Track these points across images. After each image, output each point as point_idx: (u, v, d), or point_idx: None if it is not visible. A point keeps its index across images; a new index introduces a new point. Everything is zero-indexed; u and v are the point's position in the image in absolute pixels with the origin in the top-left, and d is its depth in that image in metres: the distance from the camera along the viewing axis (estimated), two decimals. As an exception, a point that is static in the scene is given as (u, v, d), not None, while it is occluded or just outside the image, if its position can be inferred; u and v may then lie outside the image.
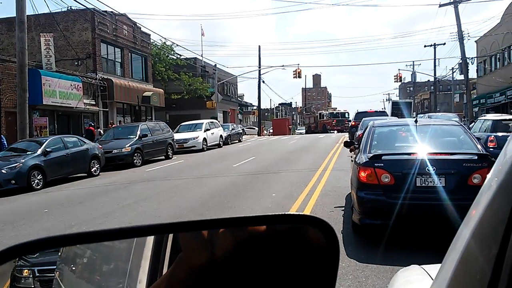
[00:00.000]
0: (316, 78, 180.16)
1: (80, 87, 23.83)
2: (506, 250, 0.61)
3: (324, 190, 9.79)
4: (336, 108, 64.41)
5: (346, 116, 53.73)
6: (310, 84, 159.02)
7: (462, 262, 0.74)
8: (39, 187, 13.28)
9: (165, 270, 0.97)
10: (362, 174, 5.53)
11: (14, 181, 12.75)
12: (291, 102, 78.85)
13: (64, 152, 14.87)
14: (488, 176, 0.78)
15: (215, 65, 44.81)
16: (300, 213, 0.90)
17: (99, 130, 24.03)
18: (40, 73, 20.81)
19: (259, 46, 49.77)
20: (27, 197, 12.05)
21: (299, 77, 45.47)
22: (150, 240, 1.04)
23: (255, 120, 65.30)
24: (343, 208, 7.75)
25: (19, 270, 1.37)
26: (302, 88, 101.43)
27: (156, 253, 1.01)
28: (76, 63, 26.06)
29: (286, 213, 0.91)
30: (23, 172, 12.95)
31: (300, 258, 0.88)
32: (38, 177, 13.42)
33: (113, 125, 23.51)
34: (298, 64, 54.44)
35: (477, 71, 42.68)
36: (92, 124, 24.35)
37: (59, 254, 1.28)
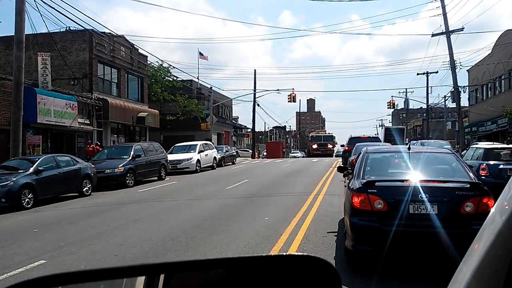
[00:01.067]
0: (311, 102, 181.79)
1: (75, 106, 23.84)
2: None
3: (317, 215, 9.76)
4: (323, 131, 62.63)
5: (331, 139, 51.57)
6: (304, 109, 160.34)
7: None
8: (29, 206, 13.12)
9: None
10: (356, 199, 5.55)
11: (4, 200, 12.60)
12: (285, 126, 79.52)
13: (56, 171, 14.76)
14: (492, 210, 0.75)
15: (211, 87, 45.19)
16: (301, 254, 0.89)
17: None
18: (36, 91, 20.82)
19: (255, 70, 50.22)
20: (17, 216, 11.89)
21: (294, 101, 45.87)
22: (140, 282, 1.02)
23: (249, 143, 65.39)
24: (336, 234, 7.71)
25: None
26: (296, 112, 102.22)
27: None
28: (72, 82, 26.14)
29: (286, 253, 0.90)
30: (14, 191, 12.81)
31: None
32: (29, 196, 13.28)
33: (91, 146, 22.87)
34: (293, 89, 55.15)
35: (469, 100, 43.31)
36: (98, 143, 24.23)
37: None
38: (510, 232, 0.66)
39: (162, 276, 0.97)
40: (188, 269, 0.94)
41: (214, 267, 0.89)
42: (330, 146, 49.61)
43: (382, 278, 5.24)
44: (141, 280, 1.01)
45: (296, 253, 0.85)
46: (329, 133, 55.42)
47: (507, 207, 0.70)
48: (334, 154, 49.75)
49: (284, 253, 0.86)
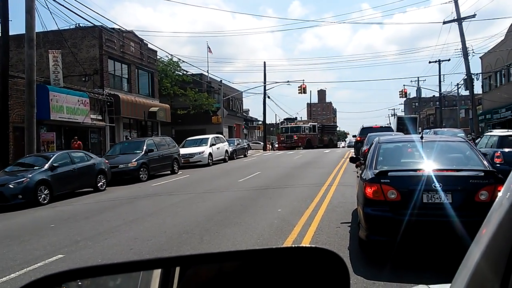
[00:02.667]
0: (321, 93, 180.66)
1: (87, 103, 24.07)
2: None
3: (330, 206, 9.76)
4: (301, 121, 54.78)
5: (298, 130, 46.55)
6: (315, 100, 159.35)
7: (472, 282, 0.74)
8: (45, 202, 13.33)
9: None
10: (369, 190, 5.53)
11: (21, 196, 12.82)
12: (296, 117, 79.00)
13: (71, 167, 14.96)
14: (499, 194, 0.77)
15: (221, 80, 45.28)
16: (310, 246, 0.91)
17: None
18: (48, 88, 21.07)
19: (264, 62, 50.17)
20: (33, 212, 12.10)
21: (304, 92, 45.71)
22: (156, 276, 1.05)
23: (260, 135, 65.38)
24: (350, 224, 7.72)
25: None
26: (307, 103, 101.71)
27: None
28: (83, 79, 26.36)
29: (296, 245, 0.92)
30: (30, 187, 13.03)
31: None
32: (45, 192, 13.49)
33: (77, 143, 21.40)
34: (303, 80, 54.69)
35: (482, 87, 42.68)
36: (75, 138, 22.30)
37: None
38: None
39: (177, 269, 1.00)
40: (202, 262, 0.97)
41: (227, 259, 0.92)
42: (295, 137, 45.42)
43: (396, 267, 5.24)
44: (157, 272, 1.04)
45: (305, 245, 0.87)
46: (298, 123, 50.34)
47: None
48: (313, 145, 45.60)
49: (294, 245, 0.88)
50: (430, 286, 1.43)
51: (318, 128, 50.43)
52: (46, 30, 21.73)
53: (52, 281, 0.97)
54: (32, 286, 0.92)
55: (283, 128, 49.31)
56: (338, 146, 51.04)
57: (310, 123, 49.84)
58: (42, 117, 19.91)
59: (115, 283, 1.10)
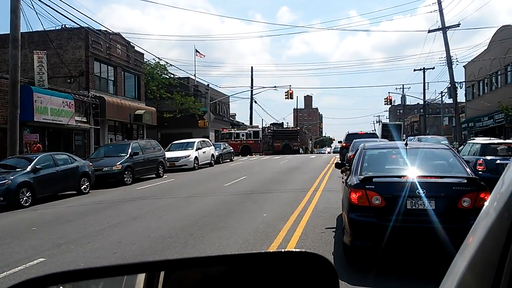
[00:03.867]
0: (308, 99, 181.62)
1: (72, 105, 23.79)
2: (500, 281, 0.60)
3: (315, 211, 9.79)
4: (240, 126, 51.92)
5: (238, 136, 44.47)
6: (301, 105, 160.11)
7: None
8: (27, 204, 13.11)
9: None
10: (353, 196, 5.57)
11: (2, 198, 12.59)
12: (282, 122, 79.00)
13: (54, 169, 14.74)
14: (486, 203, 0.76)
15: (208, 84, 45.17)
16: (299, 250, 0.90)
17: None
18: (32, 89, 20.76)
19: (252, 67, 50.50)
20: (15, 214, 11.88)
21: (291, 98, 45.93)
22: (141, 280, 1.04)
23: (246, 140, 65.29)
24: (334, 229, 7.75)
25: None
26: (294, 109, 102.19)
27: None
28: (68, 80, 26.07)
29: (284, 250, 0.91)
30: (12, 189, 12.80)
31: None
32: (27, 194, 13.27)
33: (36, 146, 20.19)
34: (290, 85, 54.90)
35: (465, 95, 43.44)
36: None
37: None
38: (501, 225, 0.67)
39: (162, 273, 0.99)
40: (188, 267, 0.95)
41: (213, 264, 0.91)
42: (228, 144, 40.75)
43: (380, 273, 5.28)
44: (141, 277, 1.03)
45: (293, 250, 0.86)
46: (240, 129, 47.70)
47: (499, 201, 0.71)
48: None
49: (282, 250, 0.88)
50: None
51: (268, 134, 48.24)
52: (31, 30, 21.43)
53: (32, 286, 0.95)
54: None
55: (221, 135, 46.43)
56: (301, 152, 47.85)
57: (249, 129, 47.34)
58: (26, 119, 19.62)
59: None
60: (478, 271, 0.70)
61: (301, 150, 48.49)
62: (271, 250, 0.86)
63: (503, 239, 0.64)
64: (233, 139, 44.26)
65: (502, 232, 0.65)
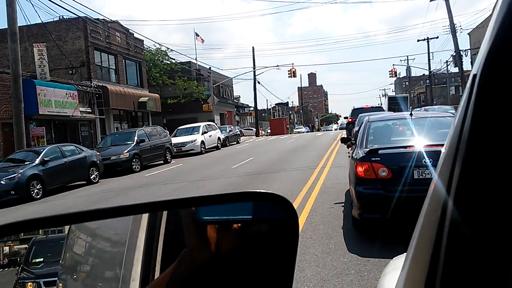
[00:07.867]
0: (312, 76, 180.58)
1: (75, 96, 23.82)
2: (443, 231, 0.57)
3: (324, 187, 9.80)
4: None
5: None
6: (306, 83, 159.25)
7: (416, 246, 0.73)
8: (38, 196, 13.26)
9: (158, 264, 0.98)
10: (360, 169, 5.55)
11: (13, 192, 12.74)
12: (287, 102, 79.01)
13: (62, 160, 14.86)
14: (442, 150, 0.70)
15: (210, 68, 44.87)
16: (261, 191, 0.94)
17: None
18: (35, 83, 20.79)
19: (253, 47, 49.93)
20: (26, 207, 12.04)
21: (294, 76, 45.59)
22: (142, 237, 1.07)
23: (252, 121, 65.32)
24: (343, 204, 7.76)
25: (22, 283, 1.30)
26: (298, 87, 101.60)
27: (148, 251, 1.04)
28: (70, 71, 26.04)
29: (249, 190, 0.95)
30: (22, 182, 12.94)
31: (272, 246, 0.90)
32: (38, 187, 13.42)
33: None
34: (293, 64, 54.30)
35: (471, 63, 42.79)
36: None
37: (60, 262, 1.26)
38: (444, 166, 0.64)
39: (165, 213, 1.07)
40: (178, 206, 1.03)
41: (200, 203, 0.96)
42: None
43: (390, 244, 5.27)
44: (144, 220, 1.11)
45: (255, 190, 0.90)
46: None
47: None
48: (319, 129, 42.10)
49: (247, 191, 0.92)
50: None
51: None
52: (29, 23, 21.38)
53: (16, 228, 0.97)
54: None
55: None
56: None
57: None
58: (31, 112, 19.70)
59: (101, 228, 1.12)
60: (426, 222, 0.69)
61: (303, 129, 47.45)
62: (236, 191, 0.91)
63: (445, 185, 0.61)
64: None
65: (444, 179, 0.62)
